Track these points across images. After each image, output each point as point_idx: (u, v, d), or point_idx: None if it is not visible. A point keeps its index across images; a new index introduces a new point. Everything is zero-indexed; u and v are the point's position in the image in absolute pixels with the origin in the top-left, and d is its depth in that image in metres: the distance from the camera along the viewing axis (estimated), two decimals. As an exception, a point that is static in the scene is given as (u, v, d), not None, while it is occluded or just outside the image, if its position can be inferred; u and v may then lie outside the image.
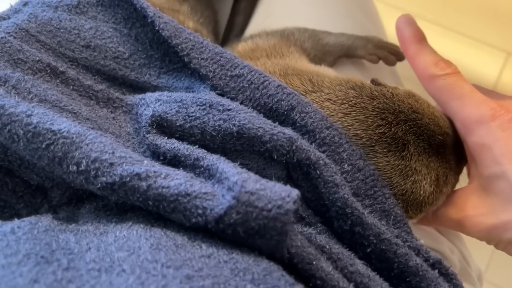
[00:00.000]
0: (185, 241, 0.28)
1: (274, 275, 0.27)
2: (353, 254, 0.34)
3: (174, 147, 0.34)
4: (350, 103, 0.39)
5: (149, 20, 0.41)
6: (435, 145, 0.40)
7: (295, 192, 0.28)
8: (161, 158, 0.35)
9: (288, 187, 0.29)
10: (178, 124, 0.36)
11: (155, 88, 0.42)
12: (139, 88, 0.42)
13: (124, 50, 0.42)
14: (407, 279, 0.34)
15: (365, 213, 0.34)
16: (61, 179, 0.33)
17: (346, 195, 0.34)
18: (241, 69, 0.39)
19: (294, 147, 0.34)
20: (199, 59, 0.39)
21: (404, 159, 0.39)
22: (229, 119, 0.35)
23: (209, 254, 0.27)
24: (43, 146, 0.30)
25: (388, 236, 0.34)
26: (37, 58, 0.37)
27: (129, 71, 0.41)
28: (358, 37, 0.56)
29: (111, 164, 0.29)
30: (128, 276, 0.24)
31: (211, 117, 0.35)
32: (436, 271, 0.35)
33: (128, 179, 0.29)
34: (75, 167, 0.29)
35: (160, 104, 0.37)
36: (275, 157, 0.35)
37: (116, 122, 0.38)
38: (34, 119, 0.30)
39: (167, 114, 0.36)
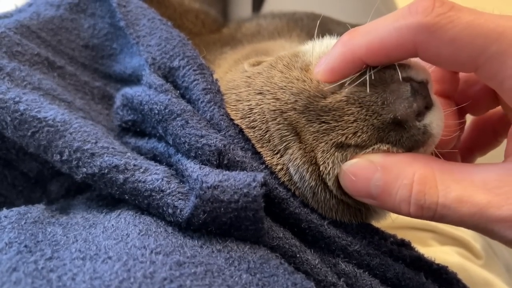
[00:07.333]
0: (176, 230, 0.27)
1: (271, 263, 0.26)
2: (335, 254, 0.30)
3: (153, 146, 0.33)
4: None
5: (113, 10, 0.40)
6: None
7: (260, 176, 0.27)
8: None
9: (252, 172, 0.27)
10: (147, 132, 0.34)
11: (129, 77, 0.41)
12: (125, 80, 0.41)
13: (116, 47, 0.42)
14: None
15: (325, 224, 0.30)
16: None
17: (297, 210, 0.29)
18: (181, 60, 0.34)
19: (225, 161, 0.29)
20: (146, 45, 0.36)
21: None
22: (164, 131, 0.31)
23: (201, 244, 0.26)
24: (29, 133, 0.29)
25: (357, 247, 0.30)
26: (36, 52, 0.37)
27: (118, 65, 0.41)
28: None
29: (92, 154, 0.28)
30: (114, 263, 0.23)
31: (158, 127, 0.32)
32: (422, 273, 0.30)
33: (106, 171, 0.28)
34: (58, 156, 0.29)
35: (127, 110, 0.34)
36: None
37: (109, 118, 0.38)
38: (21, 106, 0.30)
39: (137, 122, 0.34)
